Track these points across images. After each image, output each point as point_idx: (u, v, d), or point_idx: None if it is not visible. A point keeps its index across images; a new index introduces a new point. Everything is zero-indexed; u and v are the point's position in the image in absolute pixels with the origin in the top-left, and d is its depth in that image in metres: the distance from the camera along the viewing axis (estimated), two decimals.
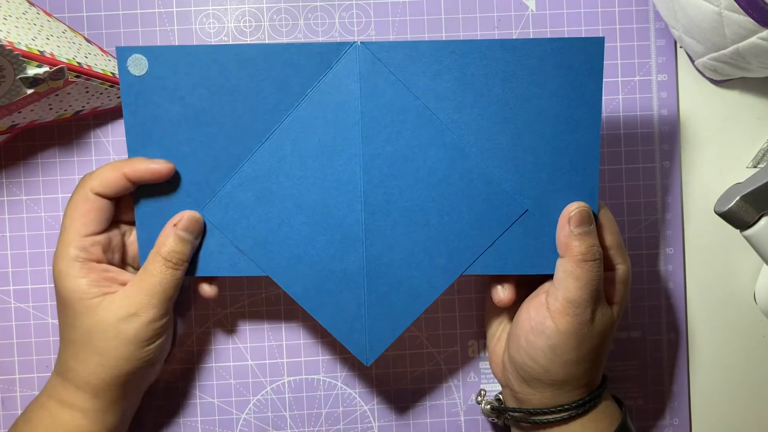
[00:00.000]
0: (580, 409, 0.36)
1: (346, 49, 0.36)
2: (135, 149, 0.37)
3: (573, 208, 0.35)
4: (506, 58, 0.36)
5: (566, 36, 0.44)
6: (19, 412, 0.43)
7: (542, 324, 0.35)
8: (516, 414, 0.38)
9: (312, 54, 0.36)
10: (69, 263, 0.35)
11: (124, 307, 0.35)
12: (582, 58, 0.35)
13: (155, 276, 0.36)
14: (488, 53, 0.36)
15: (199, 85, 0.36)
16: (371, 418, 0.44)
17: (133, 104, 0.36)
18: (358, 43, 0.36)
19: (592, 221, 0.35)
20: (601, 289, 0.35)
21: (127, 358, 0.36)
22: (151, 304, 0.35)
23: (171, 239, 0.36)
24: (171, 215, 0.37)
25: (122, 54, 0.36)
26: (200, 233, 0.37)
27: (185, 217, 0.36)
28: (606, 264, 0.36)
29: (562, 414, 0.36)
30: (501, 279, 0.38)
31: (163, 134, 0.37)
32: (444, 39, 0.44)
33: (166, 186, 0.37)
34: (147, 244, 0.37)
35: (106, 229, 0.37)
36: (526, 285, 0.39)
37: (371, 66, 0.36)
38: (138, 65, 0.36)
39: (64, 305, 0.36)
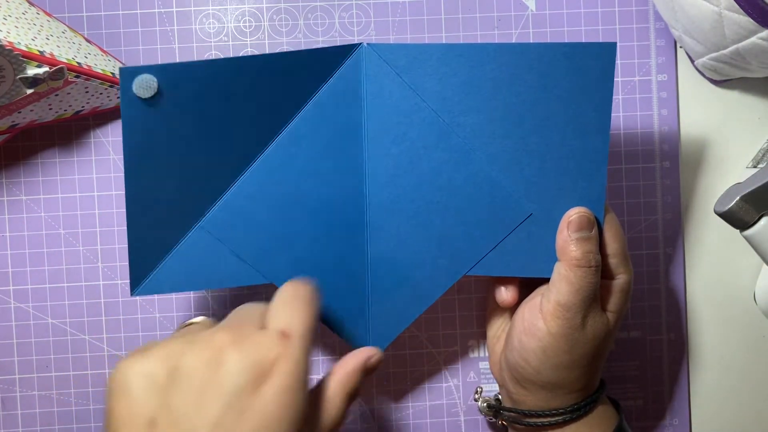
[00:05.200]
0: (575, 414, 0.36)
1: (352, 51, 0.36)
2: (133, 170, 0.35)
3: (573, 213, 0.35)
4: (514, 62, 0.35)
5: (566, 36, 0.44)
6: (19, 412, 0.43)
7: (534, 325, 0.35)
8: (510, 414, 0.38)
9: (318, 56, 0.36)
10: None
11: None
12: (593, 64, 0.35)
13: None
14: (496, 57, 0.35)
15: (207, 100, 0.35)
16: (371, 418, 0.44)
17: (135, 125, 0.34)
18: (365, 44, 0.36)
19: (593, 227, 0.35)
20: (596, 296, 0.35)
21: None
22: None
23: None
24: (169, 228, 0.36)
25: (126, 75, 0.33)
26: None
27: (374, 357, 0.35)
28: (607, 272, 0.36)
29: (556, 417, 0.36)
30: (505, 280, 0.38)
31: (164, 153, 0.35)
32: (444, 39, 0.44)
33: (163, 200, 0.35)
34: (138, 254, 0.36)
35: None
36: (530, 286, 0.38)
37: (377, 68, 0.36)
38: (146, 86, 0.33)
39: None
